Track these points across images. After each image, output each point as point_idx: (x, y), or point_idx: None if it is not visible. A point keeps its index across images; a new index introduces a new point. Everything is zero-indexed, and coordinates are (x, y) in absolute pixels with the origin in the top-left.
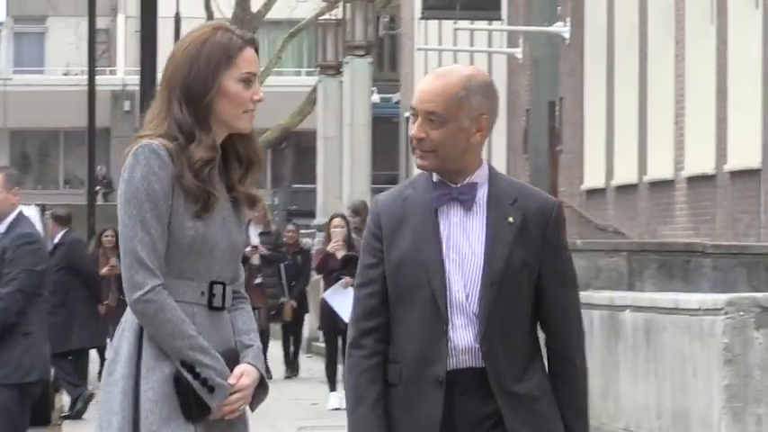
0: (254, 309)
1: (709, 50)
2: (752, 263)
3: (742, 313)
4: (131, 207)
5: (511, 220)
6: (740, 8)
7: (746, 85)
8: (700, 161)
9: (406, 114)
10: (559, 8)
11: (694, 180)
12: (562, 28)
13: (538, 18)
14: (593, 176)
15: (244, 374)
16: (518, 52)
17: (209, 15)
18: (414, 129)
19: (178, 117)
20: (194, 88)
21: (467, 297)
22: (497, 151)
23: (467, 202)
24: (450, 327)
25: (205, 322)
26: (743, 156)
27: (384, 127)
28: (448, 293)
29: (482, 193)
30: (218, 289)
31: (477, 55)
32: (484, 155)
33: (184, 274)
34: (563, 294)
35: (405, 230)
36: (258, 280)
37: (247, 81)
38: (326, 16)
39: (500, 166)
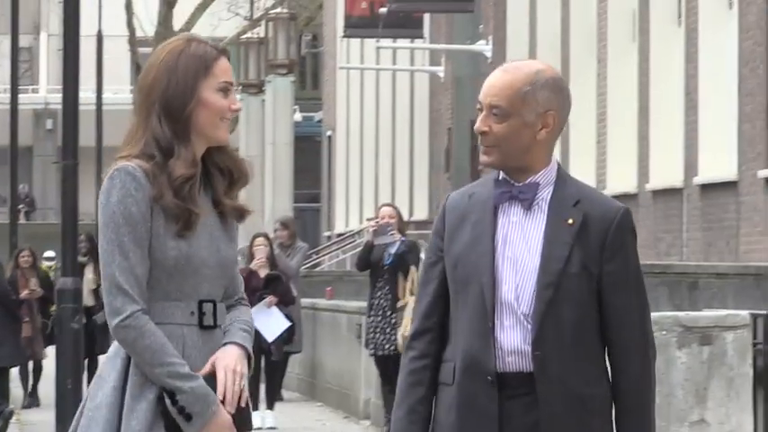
0: None
1: (631, 68)
2: (674, 282)
3: (664, 332)
4: (109, 231)
5: (570, 221)
6: (662, 26)
7: (668, 103)
8: (621, 180)
9: (328, 133)
10: (481, 27)
11: (616, 199)
12: (484, 46)
13: (460, 36)
14: None
15: (217, 359)
16: (440, 71)
17: (132, 33)
18: (477, 122)
19: (157, 132)
20: (174, 100)
21: (517, 297)
22: (419, 170)
23: (526, 202)
24: (496, 325)
25: (197, 342)
26: (665, 174)
27: (306, 146)
28: (496, 291)
29: (545, 194)
30: (207, 307)
31: (399, 73)
32: (405, 171)
33: (171, 295)
34: (621, 300)
35: (465, 227)
36: None
37: (225, 90)
38: (249, 34)
39: (422, 185)
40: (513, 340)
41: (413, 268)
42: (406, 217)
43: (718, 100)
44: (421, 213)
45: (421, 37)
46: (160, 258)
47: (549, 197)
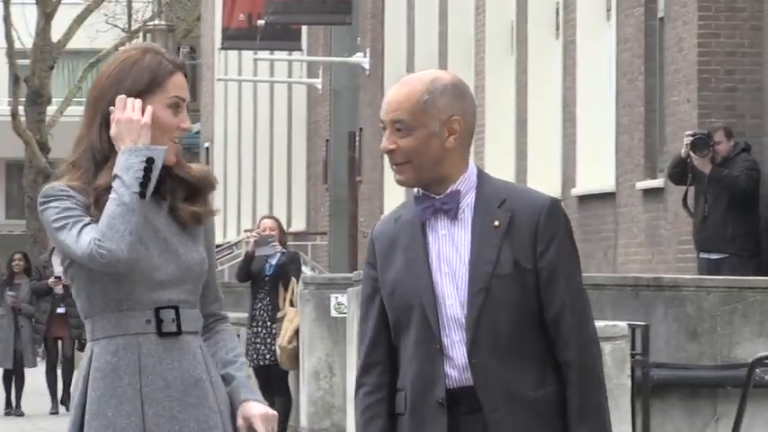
0: (58, 339)
1: (509, 81)
2: None
3: None
4: (54, 229)
5: (497, 223)
6: (540, 38)
7: (546, 115)
8: None
9: (206, 144)
10: (359, 39)
11: None
12: (362, 59)
13: (338, 49)
14: (394, 207)
15: (259, 419)
16: (318, 83)
17: (10, 45)
18: (383, 141)
19: (95, 143)
20: None
21: (463, 310)
22: (297, 181)
23: (451, 212)
24: (445, 344)
25: (156, 349)
26: (543, 186)
27: (185, 157)
28: (442, 309)
29: (469, 200)
30: (167, 314)
31: (277, 85)
32: (282, 182)
33: (123, 305)
34: (561, 290)
35: (396, 252)
36: (61, 309)
37: (175, 106)
38: (127, 46)
39: (300, 196)
40: (462, 355)
41: (293, 279)
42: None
43: (596, 112)
44: (299, 224)
45: (299, 49)
46: None
47: (473, 202)
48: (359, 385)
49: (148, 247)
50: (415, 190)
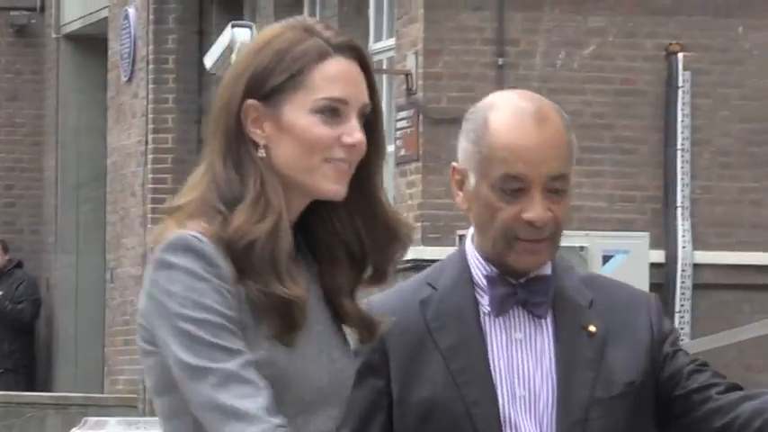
0: None
1: None
2: None
3: None
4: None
5: (592, 329)
6: None
7: None
8: None
9: None
10: None
11: None
12: None
13: None
14: None
15: None
16: None
17: None
18: (536, 209)
19: (219, 175)
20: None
21: None
22: None
23: (540, 307)
24: None
25: None
26: None
27: None
28: None
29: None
30: None
31: None
32: None
33: None
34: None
35: (431, 355)
36: None
37: (328, 111)
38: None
39: None
40: None
41: None
42: None
43: None
44: None
45: None
46: None
47: (551, 294)
48: None
49: (300, 341)
50: (474, 268)
